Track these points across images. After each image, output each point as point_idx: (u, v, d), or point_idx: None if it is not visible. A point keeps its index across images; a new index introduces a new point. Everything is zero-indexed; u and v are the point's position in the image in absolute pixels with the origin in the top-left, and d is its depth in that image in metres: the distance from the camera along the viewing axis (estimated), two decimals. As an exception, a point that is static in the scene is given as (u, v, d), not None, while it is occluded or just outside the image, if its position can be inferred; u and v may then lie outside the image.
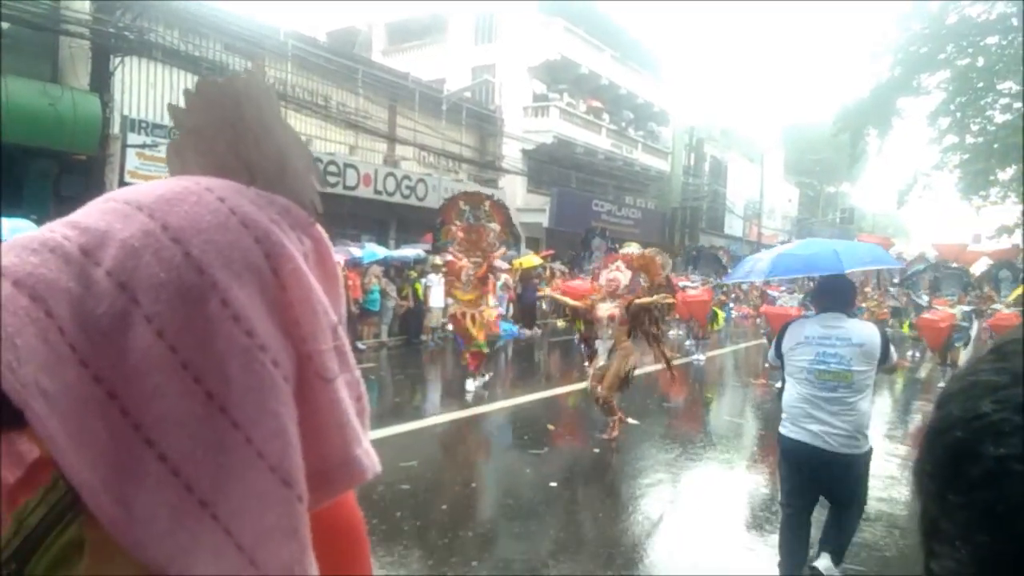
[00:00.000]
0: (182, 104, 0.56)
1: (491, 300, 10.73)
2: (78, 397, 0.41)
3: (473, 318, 10.31)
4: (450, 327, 10.46)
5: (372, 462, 0.54)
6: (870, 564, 5.02)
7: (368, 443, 0.55)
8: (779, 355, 4.29)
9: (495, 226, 10.68)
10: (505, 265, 11.95)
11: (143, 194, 0.49)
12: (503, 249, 10.95)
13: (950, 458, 0.39)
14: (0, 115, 9.77)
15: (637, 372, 8.40)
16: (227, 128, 0.54)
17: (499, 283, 11.45)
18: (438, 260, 15.94)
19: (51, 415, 0.40)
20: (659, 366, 9.36)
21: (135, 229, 0.46)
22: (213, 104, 0.55)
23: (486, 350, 10.55)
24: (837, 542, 4.10)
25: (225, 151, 0.54)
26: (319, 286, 0.52)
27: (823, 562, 4.00)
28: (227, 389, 0.45)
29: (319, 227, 0.56)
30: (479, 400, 9.78)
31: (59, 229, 0.46)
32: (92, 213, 0.48)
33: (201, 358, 0.44)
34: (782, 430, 4.21)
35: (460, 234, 10.67)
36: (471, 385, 10.30)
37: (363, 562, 0.66)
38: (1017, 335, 0.40)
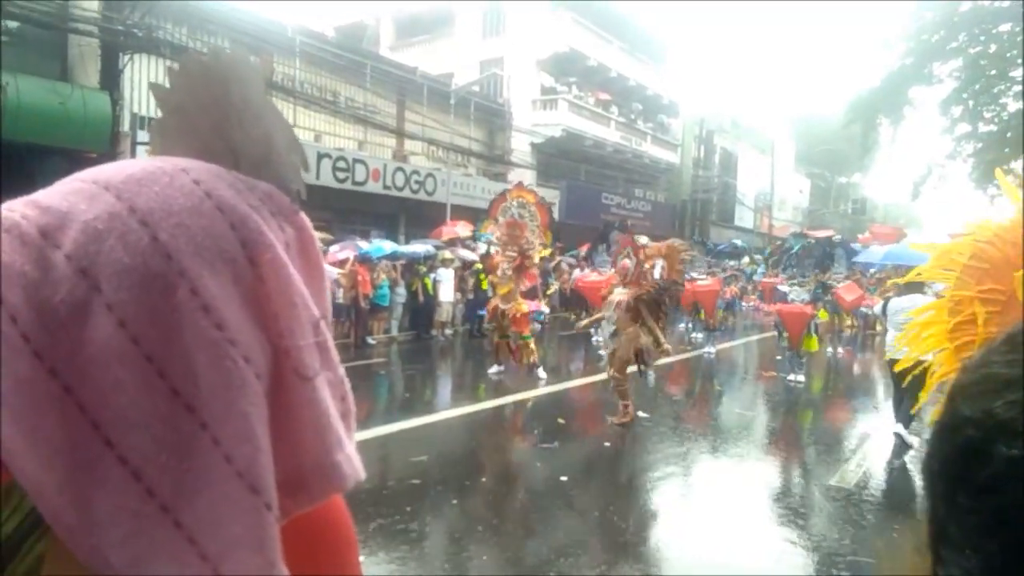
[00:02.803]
0: (166, 83, 0.53)
1: (521, 297, 10.94)
2: (32, 392, 0.38)
3: (503, 313, 10.66)
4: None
5: (354, 468, 0.49)
6: (885, 555, 4.98)
7: (352, 447, 0.50)
8: (884, 314, 8.20)
9: (535, 224, 10.96)
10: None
11: (112, 174, 0.46)
12: (540, 247, 11.19)
13: (960, 458, 0.36)
14: (1, 113, 9.78)
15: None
16: (212, 107, 0.51)
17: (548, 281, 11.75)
18: (448, 254, 16.01)
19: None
20: (666, 360, 9.46)
21: (100, 210, 0.42)
22: (198, 82, 0.51)
23: (530, 340, 10.83)
24: (905, 418, 7.76)
25: (209, 132, 0.51)
26: (300, 278, 0.48)
27: (899, 427, 7.88)
28: (194, 386, 0.41)
29: (303, 215, 0.52)
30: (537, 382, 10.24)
31: (18, 208, 0.43)
32: (55, 192, 0.45)
33: (166, 352, 0.41)
34: (888, 354, 7.81)
35: (503, 228, 10.95)
36: (541, 373, 10.89)
37: (348, 567, 0.61)
38: None
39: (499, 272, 10.77)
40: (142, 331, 0.40)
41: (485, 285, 16.82)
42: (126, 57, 12.66)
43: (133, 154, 12.83)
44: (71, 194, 0.44)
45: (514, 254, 10.69)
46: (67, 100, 11.24)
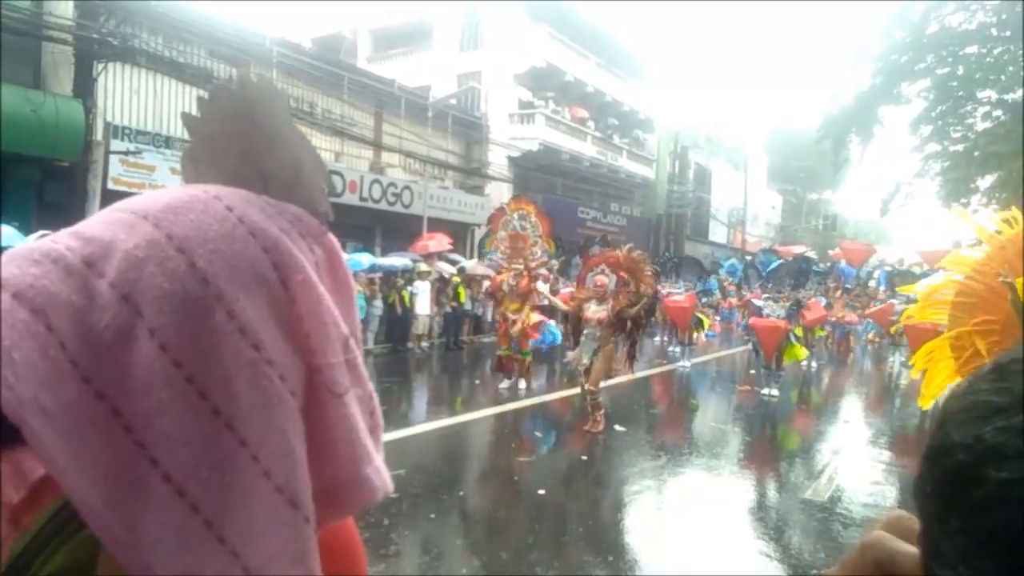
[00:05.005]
0: (195, 112, 0.55)
1: (532, 309, 10.89)
2: (80, 415, 0.40)
3: (513, 323, 10.62)
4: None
5: (383, 481, 0.52)
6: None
7: (380, 461, 0.53)
8: None
9: (538, 235, 11.00)
10: (543, 272, 12.17)
11: (149, 203, 0.47)
12: (544, 258, 11.20)
13: (952, 481, 0.38)
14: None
15: (622, 380, 8.62)
16: (241, 135, 0.53)
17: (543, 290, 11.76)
18: (424, 267, 15.97)
19: (51, 434, 0.38)
20: (643, 373, 9.58)
21: (140, 239, 0.44)
22: (226, 111, 0.53)
23: (528, 358, 10.81)
24: None
25: (239, 159, 0.53)
26: (330, 297, 0.50)
27: None
28: (233, 405, 0.43)
29: (331, 236, 0.54)
30: (506, 399, 10.17)
31: (62, 240, 0.44)
32: (97, 223, 0.46)
33: (206, 373, 0.42)
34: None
35: (506, 242, 10.96)
36: (504, 384, 10.82)
37: (360, 570, 0.64)
38: (1018, 353, 0.40)
39: (504, 287, 10.76)
40: (183, 354, 0.42)
41: (463, 297, 16.83)
42: (100, 65, 12.52)
43: (106, 163, 12.68)
44: (112, 224, 0.46)
45: (520, 267, 10.69)
46: (39, 108, 11.09)
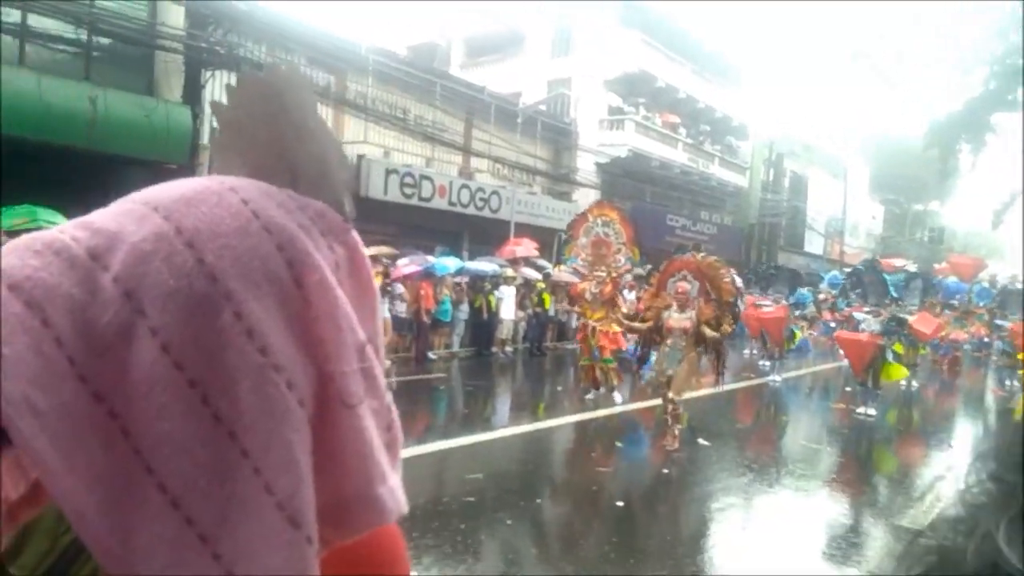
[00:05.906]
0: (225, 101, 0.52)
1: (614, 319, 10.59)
2: (75, 415, 0.37)
3: (594, 331, 10.41)
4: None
5: (396, 502, 0.47)
6: None
7: (396, 480, 0.48)
8: None
9: (621, 242, 10.76)
10: (629, 280, 12.02)
11: (162, 194, 0.45)
12: (627, 265, 10.98)
13: None
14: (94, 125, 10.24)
15: (704, 393, 8.42)
16: (269, 122, 0.50)
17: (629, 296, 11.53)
18: (509, 272, 16.05)
19: (41, 435, 0.36)
20: (730, 386, 9.33)
21: (148, 231, 0.41)
22: (255, 98, 0.51)
23: (612, 364, 10.62)
24: None
25: (266, 148, 0.51)
26: (348, 300, 0.46)
27: None
28: (236, 413, 0.40)
29: (354, 234, 0.50)
30: (588, 407, 10.14)
31: (69, 230, 0.42)
32: (107, 214, 0.44)
33: (210, 377, 0.40)
34: None
35: (588, 249, 10.77)
36: (591, 395, 10.67)
37: None
38: None
39: (587, 295, 10.58)
40: (186, 355, 0.39)
41: (548, 304, 16.82)
42: (208, 73, 13.18)
43: (211, 166, 13.28)
44: (121, 215, 0.43)
45: (603, 275, 10.52)
46: (152, 113, 11.74)
